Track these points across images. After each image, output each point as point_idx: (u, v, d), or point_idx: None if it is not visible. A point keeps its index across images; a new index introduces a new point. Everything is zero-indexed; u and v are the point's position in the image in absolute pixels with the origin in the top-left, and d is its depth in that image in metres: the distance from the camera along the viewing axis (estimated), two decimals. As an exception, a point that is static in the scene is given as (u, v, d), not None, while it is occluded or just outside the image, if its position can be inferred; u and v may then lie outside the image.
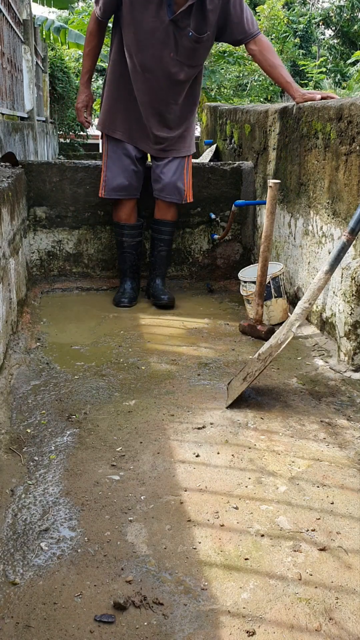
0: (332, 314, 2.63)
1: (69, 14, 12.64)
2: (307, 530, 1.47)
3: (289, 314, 2.99)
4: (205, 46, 3.02)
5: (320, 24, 20.88)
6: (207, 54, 3.11)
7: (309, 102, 2.87)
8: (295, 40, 13.66)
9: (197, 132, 8.55)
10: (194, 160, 4.23)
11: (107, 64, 3.30)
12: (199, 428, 1.97)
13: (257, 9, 11.35)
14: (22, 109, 6.35)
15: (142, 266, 3.55)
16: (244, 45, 3.09)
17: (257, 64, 3.28)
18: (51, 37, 9.63)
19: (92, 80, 3.48)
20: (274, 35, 11.11)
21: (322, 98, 2.89)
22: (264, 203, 3.19)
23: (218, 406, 2.13)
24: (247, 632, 1.18)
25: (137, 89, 3.07)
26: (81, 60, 12.41)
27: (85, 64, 3.28)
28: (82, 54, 3.86)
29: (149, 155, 3.33)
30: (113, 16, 3.07)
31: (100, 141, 3.75)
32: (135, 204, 3.34)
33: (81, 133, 12.45)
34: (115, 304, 3.32)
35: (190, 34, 2.91)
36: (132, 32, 2.94)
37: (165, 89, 3.04)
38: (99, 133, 3.50)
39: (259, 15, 11.07)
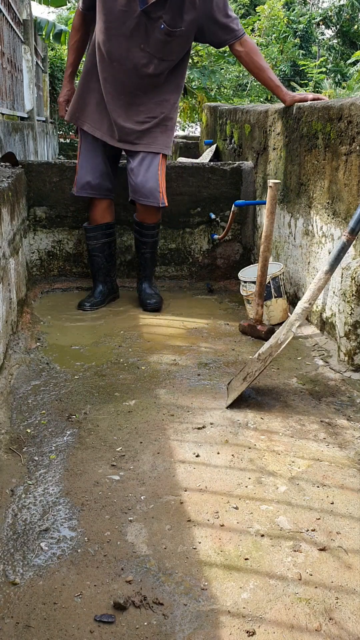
0: (332, 314, 2.63)
1: (69, 12, 12.64)
2: (307, 530, 1.47)
3: (289, 314, 2.99)
4: (180, 41, 2.91)
5: (320, 24, 20.89)
6: (184, 50, 3.00)
7: (309, 102, 2.87)
8: (295, 40, 13.67)
9: (197, 132, 8.56)
10: (193, 160, 4.24)
11: None
12: (199, 428, 1.97)
13: (257, 9, 11.36)
14: (22, 109, 6.36)
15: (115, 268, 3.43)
16: (228, 46, 3.00)
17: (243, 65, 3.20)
18: (51, 39, 9.66)
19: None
20: (274, 35, 11.12)
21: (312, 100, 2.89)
22: (264, 203, 3.19)
23: (218, 406, 2.13)
24: (247, 632, 1.18)
25: (104, 78, 2.99)
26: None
27: (69, 58, 3.26)
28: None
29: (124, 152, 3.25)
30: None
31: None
32: (108, 205, 3.25)
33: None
34: (77, 305, 3.23)
35: (162, 26, 2.82)
36: (102, 20, 2.87)
37: (133, 80, 2.96)
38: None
39: (259, 16, 11.08)
